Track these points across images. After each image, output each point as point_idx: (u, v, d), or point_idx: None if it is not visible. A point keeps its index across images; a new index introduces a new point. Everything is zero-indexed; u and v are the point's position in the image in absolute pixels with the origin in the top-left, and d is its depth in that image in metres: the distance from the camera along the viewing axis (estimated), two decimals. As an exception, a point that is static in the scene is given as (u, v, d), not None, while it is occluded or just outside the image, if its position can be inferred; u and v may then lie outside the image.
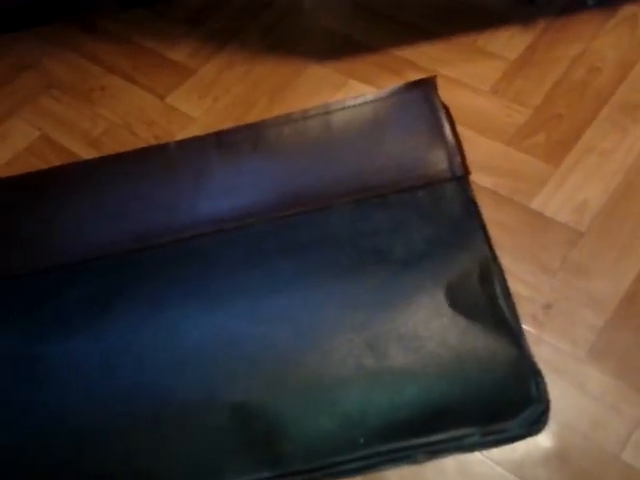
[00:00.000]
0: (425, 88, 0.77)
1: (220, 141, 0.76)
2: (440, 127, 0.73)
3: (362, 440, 0.56)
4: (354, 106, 0.77)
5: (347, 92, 0.82)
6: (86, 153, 0.81)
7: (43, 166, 0.80)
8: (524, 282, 0.64)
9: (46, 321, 0.66)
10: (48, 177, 0.78)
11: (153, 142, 0.81)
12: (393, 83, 0.81)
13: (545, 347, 0.60)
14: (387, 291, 0.63)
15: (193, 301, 0.64)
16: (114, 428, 0.59)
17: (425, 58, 0.84)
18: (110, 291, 0.66)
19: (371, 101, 0.77)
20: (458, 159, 0.71)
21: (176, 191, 0.72)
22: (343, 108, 0.77)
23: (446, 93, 0.78)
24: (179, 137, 0.80)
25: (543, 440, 0.55)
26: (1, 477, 0.58)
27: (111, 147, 0.81)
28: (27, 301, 0.67)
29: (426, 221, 0.67)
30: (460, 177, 0.70)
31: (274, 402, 0.58)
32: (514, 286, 0.63)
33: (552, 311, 0.62)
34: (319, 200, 0.69)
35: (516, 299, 0.62)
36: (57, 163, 0.80)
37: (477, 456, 0.55)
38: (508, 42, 0.83)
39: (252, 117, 0.81)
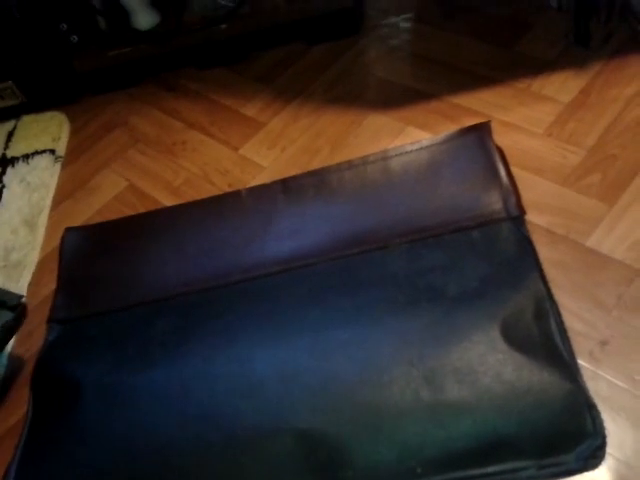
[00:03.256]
0: (479, 132, 0.81)
1: (286, 187, 0.82)
2: (494, 169, 0.77)
3: (419, 470, 0.58)
4: (411, 151, 0.81)
5: (405, 139, 0.87)
6: (168, 200, 0.90)
7: (130, 213, 0.89)
8: (580, 319, 0.65)
9: (132, 352, 0.72)
10: (135, 222, 0.86)
11: (227, 190, 0.88)
12: (449, 129, 0.85)
13: (602, 383, 0.61)
14: (442, 327, 0.65)
15: (261, 335, 0.69)
16: (190, 449, 0.64)
17: (481, 103, 0.88)
18: (187, 325, 0.72)
19: (427, 146, 0.81)
20: (513, 199, 0.73)
21: (247, 234, 0.79)
22: (400, 153, 0.82)
23: (501, 137, 0.82)
24: (250, 184, 0.88)
25: (600, 475, 0.56)
26: None
27: (190, 195, 0.90)
28: (116, 335, 0.74)
29: (481, 259, 0.70)
30: (515, 217, 0.72)
31: (336, 431, 0.61)
32: (570, 323, 0.64)
33: (608, 347, 0.63)
34: (377, 240, 0.73)
35: (572, 335, 0.63)
36: (142, 210, 0.89)
37: (532, 488, 0.57)
38: (562, 86, 0.86)
39: (315, 164, 0.87)
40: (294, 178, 0.83)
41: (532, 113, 0.85)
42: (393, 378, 0.63)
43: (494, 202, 0.74)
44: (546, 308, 0.65)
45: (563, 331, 0.63)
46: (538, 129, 0.83)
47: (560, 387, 0.59)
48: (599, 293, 0.67)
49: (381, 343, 0.66)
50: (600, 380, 0.61)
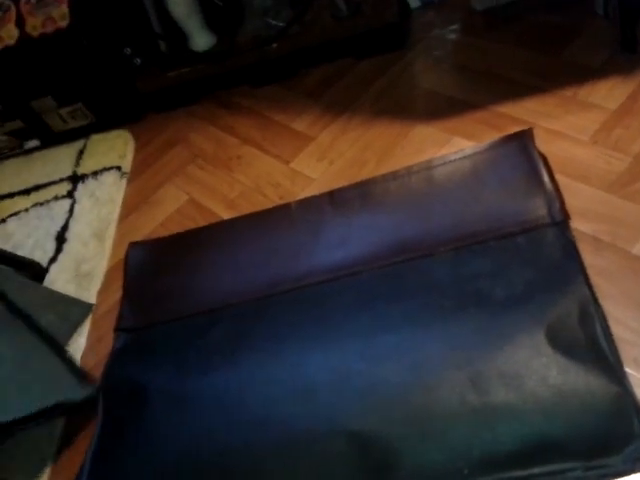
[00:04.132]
0: (522, 139, 0.82)
1: (333, 199, 0.86)
2: (538, 175, 0.78)
3: (466, 471, 0.60)
4: (454, 160, 0.84)
5: (451, 149, 0.89)
6: (225, 213, 0.95)
7: (191, 225, 0.95)
8: (626, 326, 0.66)
9: (192, 359, 0.77)
10: (192, 236, 0.92)
11: (279, 202, 0.93)
12: (494, 137, 0.87)
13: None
14: (488, 331, 0.67)
15: (311, 340, 0.73)
16: (246, 452, 0.68)
17: (526, 112, 0.90)
18: (242, 332, 0.77)
19: (470, 154, 0.84)
20: (557, 205, 0.75)
21: (296, 244, 0.83)
22: (444, 163, 0.84)
23: (546, 144, 0.83)
24: (300, 196, 0.92)
25: None
26: None
27: (245, 207, 0.95)
28: (177, 343, 0.79)
29: (526, 264, 0.71)
30: (560, 222, 0.73)
31: (387, 433, 0.64)
32: (616, 330, 0.65)
33: (653, 357, 0.64)
34: (423, 248, 0.76)
35: (619, 343, 0.64)
36: (202, 222, 0.95)
37: (577, 490, 0.58)
38: (609, 93, 0.87)
39: (362, 176, 0.90)
40: (341, 190, 0.87)
41: (578, 121, 0.85)
42: (441, 381, 0.66)
43: (538, 208, 0.75)
44: (591, 312, 0.66)
45: (609, 335, 0.64)
46: (584, 136, 0.83)
47: (607, 390, 0.60)
48: (644, 299, 0.67)
49: (429, 347, 0.68)
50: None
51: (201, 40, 1.09)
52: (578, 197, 0.77)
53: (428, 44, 1.06)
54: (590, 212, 0.76)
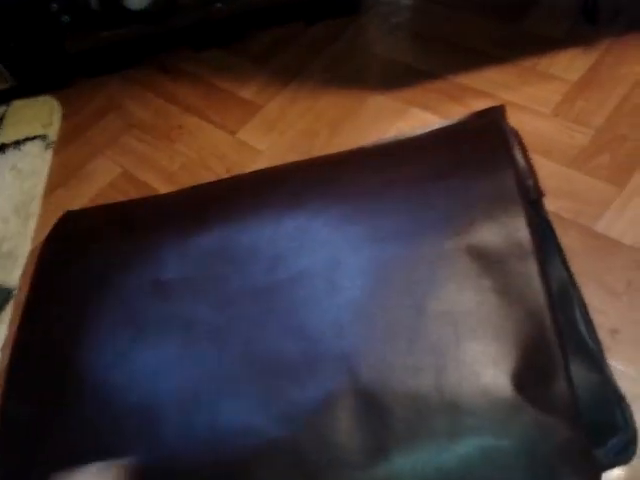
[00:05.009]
0: (494, 116, 0.77)
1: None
2: (511, 153, 0.73)
3: None
4: (420, 136, 0.77)
5: (408, 120, 0.84)
6: (163, 187, 0.87)
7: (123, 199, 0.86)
8: (590, 306, 0.62)
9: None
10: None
11: (225, 175, 0.86)
12: (453, 109, 0.82)
13: (618, 374, 0.59)
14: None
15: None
16: None
17: (485, 83, 0.85)
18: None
19: (438, 131, 0.77)
20: (530, 182, 0.71)
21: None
22: (410, 139, 0.78)
23: (508, 117, 0.79)
24: (248, 169, 0.85)
25: (631, 471, 0.54)
26: None
27: (186, 181, 0.87)
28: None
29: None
30: (534, 200, 0.69)
31: None
32: (581, 311, 0.62)
33: (619, 336, 0.61)
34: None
35: (585, 325, 0.61)
36: (136, 196, 0.86)
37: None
38: (570, 64, 0.83)
39: (314, 148, 0.84)
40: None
41: (539, 92, 0.82)
42: None
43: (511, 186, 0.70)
44: (570, 296, 0.62)
45: (588, 321, 0.60)
46: (545, 109, 0.80)
47: (586, 379, 0.57)
48: (608, 279, 0.64)
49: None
50: (613, 371, 0.59)
51: (137, -2, 0.99)
52: (540, 173, 0.73)
53: (383, 9, 1.00)
54: (553, 188, 0.72)
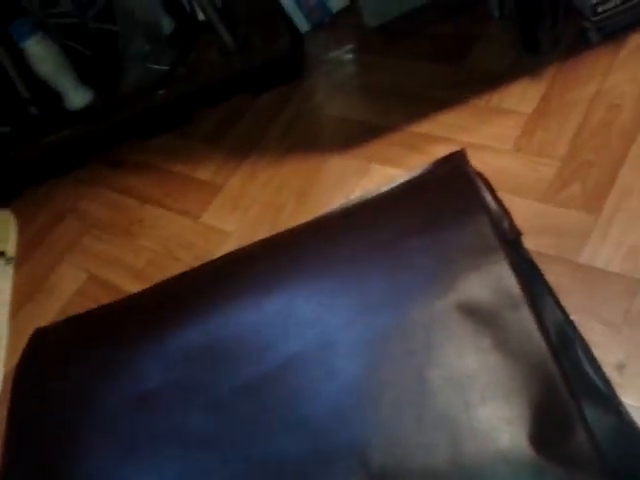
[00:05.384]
0: (455, 161, 0.76)
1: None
2: (480, 197, 0.72)
3: None
4: (385, 193, 0.76)
5: (372, 177, 0.83)
6: (133, 287, 0.84)
7: (94, 306, 0.83)
8: (591, 343, 0.61)
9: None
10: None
11: (195, 263, 0.83)
12: (414, 159, 0.81)
13: (630, 411, 0.56)
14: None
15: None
16: None
17: (441, 128, 0.85)
18: None
19: (402, 186, 0.76)
20: (506, 224, 0.69)
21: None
22: (375, 197, 0.76)
23: (469, 159, 0.78)
24: (218, 253, 0.82)
25: None
26: None
27: (155, 276, 0.84)
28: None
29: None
30: (512, 241, 0.68)
31: None
32: (580, 347, 0.60)
33: (626, 370, 0.59)
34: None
35: (584, 360, 0.59)
36: (106, 300, 0.83)
37: None
38: (521, 96, 0.83)
39: (283, 220, 0.82)
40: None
41: (496, 129, 0.81)
42: None
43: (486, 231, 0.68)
44: (569, 336, 0.59)
45: (592, 359, 0.58)
46: (506, 145, 0.79)
47: (604, 423, 0.54)
48: (604, 312, 0.62)
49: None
50: (628, 408, 0.56)
51: (76, 97, 0.97)
52: (512, 212, 0.72)
53: (326, 69, 1.00)
54: (528, 226, 0.70)
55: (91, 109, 0.97)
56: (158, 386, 0.67)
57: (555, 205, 0.72)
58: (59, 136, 0.97)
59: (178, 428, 0.63)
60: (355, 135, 0.89)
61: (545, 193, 0.73)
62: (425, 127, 0.85)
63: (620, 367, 0.59)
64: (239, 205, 0.88)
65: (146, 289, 0.80)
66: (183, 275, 0.80)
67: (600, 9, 0.80)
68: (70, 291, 0.87)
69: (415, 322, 0.62)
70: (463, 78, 0.89)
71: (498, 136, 0.80)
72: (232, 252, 0.78)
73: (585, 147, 0.75)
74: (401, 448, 0.56)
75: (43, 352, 0.78)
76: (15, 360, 0.81)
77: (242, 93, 1.01)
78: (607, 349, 0.60)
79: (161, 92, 0.96)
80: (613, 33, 0.83)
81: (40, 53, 0.93)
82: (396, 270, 0.67)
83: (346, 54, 1.01)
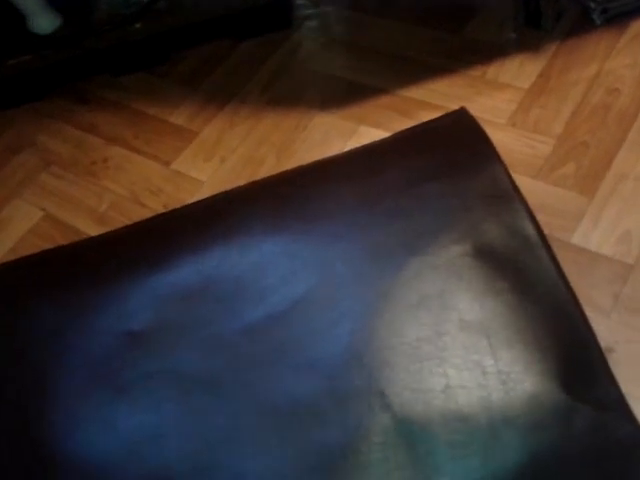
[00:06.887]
0: (462, 116, 0.73)
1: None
2: (494, 148, 0.68)
3: None
4: (390, 141, 0.71)
5: (359, 139, 0.79)
6: (94, 230, 0.77)
7: (49, 247, 0.76)
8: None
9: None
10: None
11: (162, 211, 0.77)
12: (406, 124, 0.77)
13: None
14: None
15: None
16: None
17: (435, 95, 0.81)
18: None
19: (408, 131, 0.72)
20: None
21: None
22: (377, 146, 0.71)
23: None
24: (189, 202, 0.77)
25: None
26: None
27: (119, 221, 0.78)
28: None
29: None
30: None
31: None
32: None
33: (615, 356, 0.57)
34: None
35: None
36: (63, 242, 0.76)
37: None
38: (519, 71, 0.80)
39: (261, 175, 0.77)
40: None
41: (492, 102, 0.78)
42: None
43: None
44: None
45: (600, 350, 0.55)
46: (501, 119, 0.77)
47: (618, 428, 0.52)
48: (594, 295, 0.61)
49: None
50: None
51: (43, 21, 0.88)
52: (505, 186, 0.70)
53: (317, 23, 0.95)
54: (521, 202, 0.69)
55: (58, 36, 0.88)
56: (147, 325, 0.61)
57: (548, 183, 0.70)
58: (21, 61, 0.88)
59: (173, 367, 0.58)
60: (343, 94, 0.85)
61: (539, 171, 0.71)
62: (418, 93, 0.82)
63: (609, 352, 0.58)
64: (214, 154, 0.82)
65: (119, 229, 0.72)
66: (164, 215, 0.73)
67: (607, -11, 0.78)
68: (23, 229, 0.79)
69: (431, 266, 0.59)
70: (460, 47, 0.85)
71: (493, 109, 0.78)
72: (223, 192, 0.72)
73: (582, 128, 0.73)
74: (423, 391, 0.53)
75: (6, 290, 0.70)
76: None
77: (225, 37, 0.95)
78: (596, 332, 0.59)
79: (137, 26, 0.88)
80: (617, 17, 0.81)
81: (6, -34, 0.84)
82: (409, 214, 0.63)
83: (339, 10, 0.96)
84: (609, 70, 0.77)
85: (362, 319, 0.58)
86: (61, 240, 0.77)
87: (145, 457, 0.54)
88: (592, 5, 0.80)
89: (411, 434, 0.51)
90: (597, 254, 0.64)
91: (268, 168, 0.79)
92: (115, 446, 0.55)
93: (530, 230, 0.61)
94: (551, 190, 0.69)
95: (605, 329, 0.59)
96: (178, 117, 0.87)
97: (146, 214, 0.77)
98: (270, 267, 0.62)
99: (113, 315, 0.62)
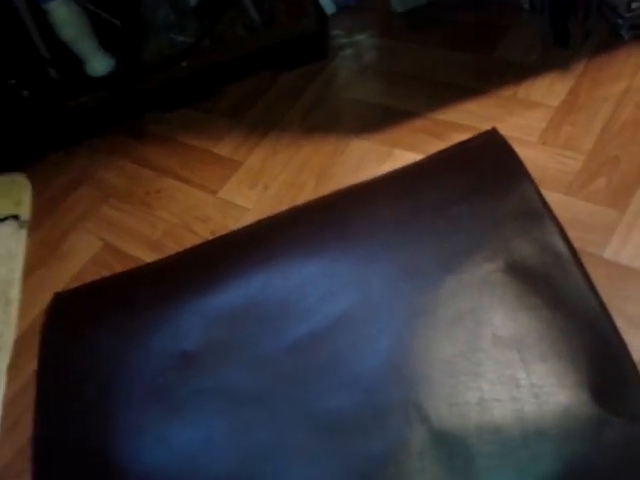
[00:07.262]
0: (492, 136, 0.76)
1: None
2: (524, 167, 0.71)
3: None
4: (425, 163, 0.75)
5: (393, 162, 0.82)
6: (149, 257, 0.83)
7: (108, 274, 0.82)
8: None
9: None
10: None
11: (210, 237, 0.82)
12: (439, 146, 0.81)
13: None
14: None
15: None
16: None
17: (466, 116, 0.84)
18: None
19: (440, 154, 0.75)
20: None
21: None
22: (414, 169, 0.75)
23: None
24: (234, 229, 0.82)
25: None
26: None
27: (171, 248, 0.83)
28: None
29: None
30: None
31: None
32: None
33: (646, 367, 0.59)
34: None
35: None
36: (121, 269, 0.82)
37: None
38: (549, 89, 0.83)
39: (302, 200, 0.82)
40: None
41: (522, 121, 0.81)
42: None
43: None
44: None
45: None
46: (531, 137, 0.79)
47: None
48: (627, 308, 0.62)
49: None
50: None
51: (98, 64, 0.96)
52: (537, 203, 0.72)
53: (351, 52, 0.99)
54: (553, 218, 0.71)
55: (112, 77, 0.96)
56: (199, 345, 0.66)
57: (580, 199, 0.71)
58: (79, 102, 0.96)
59: (222, 384, 0.63)
60: (378, 119, 0.88)
61: (570, 186, 0.73)
62: (450, 115, 0.85)
63: (640, 363, 0.59)
64: (258, 182, 0.87)
65: (167, 257, 0.79)
66: (210, 242, 0.79)
67: (634, 5, 0.80)
68: (84, 258, 0.86)
69: (465, 283, 0.62)
70: (490, 68, 0.88)
71: (524, 128, 0.80)
72: (264, 218, 0.77)
73: (612, 143, 0.75)
74: (458, 405, 0.56)
75: (68, 316, 0.76)
76: (27, 323, 0.81)
77: (265, 70, 1.01)
78: (631, 346, 0.60)
79: (184, 64, 0.95)
80: (645, 32, 0.82)
81: (63, 16, 0.92)
82: (443, 234, 0.66)
83: (371, 38, 1.00)
84: (638, 85, 0.79)
85: (400, 335, 0.61)
86: (119, 267, 0.83)
87: (196, 469, 0.59)
88: (620, 21, 0.82)
89: (447, 445, 0.54)
90: (629, 268, 0.65)
91: (308, 192, 0.83)
92: (169, 458, 0.60)
93: (561, 246, 0.63)
94: (582, 205, 0.71)
95: (638, 342, 0.60)
96: (223, 148, 0.93)
97: (195, 240, 0.82)
98: (311, 287, 0.66)
99: (166, 337, 0.68)
